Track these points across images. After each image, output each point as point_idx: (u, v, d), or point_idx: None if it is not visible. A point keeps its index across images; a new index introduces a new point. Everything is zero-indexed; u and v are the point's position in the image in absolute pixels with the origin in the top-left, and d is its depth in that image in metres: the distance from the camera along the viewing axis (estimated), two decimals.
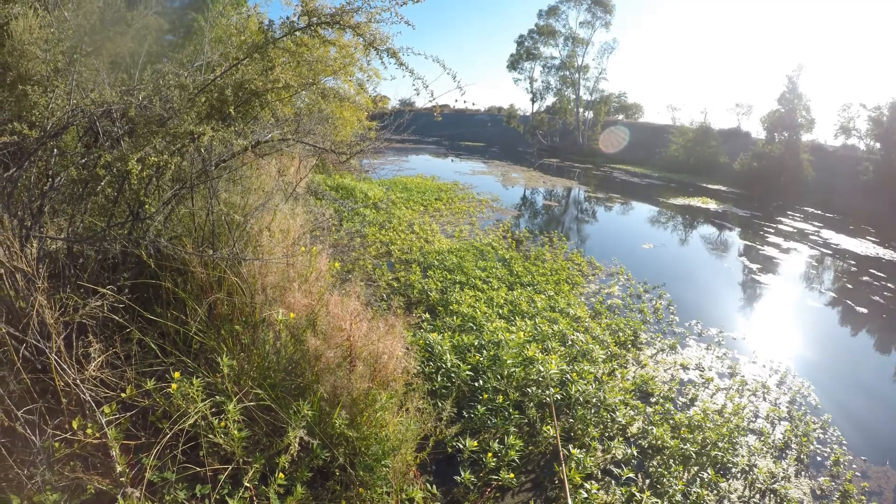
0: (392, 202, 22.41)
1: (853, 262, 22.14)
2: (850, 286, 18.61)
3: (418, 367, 7.90)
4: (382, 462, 5.41)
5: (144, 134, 5.33)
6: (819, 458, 8.09)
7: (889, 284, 18.85)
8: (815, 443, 8.38)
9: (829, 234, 27.96)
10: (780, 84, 50.96)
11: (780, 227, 29.13)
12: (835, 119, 51.36)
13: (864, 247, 25.49)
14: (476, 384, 8.07)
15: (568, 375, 8.57)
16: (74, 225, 5.63)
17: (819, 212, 36.04)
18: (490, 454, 6.49)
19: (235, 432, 4.61)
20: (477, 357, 8.58)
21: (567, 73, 72.58)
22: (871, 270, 20.78)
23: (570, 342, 10.02)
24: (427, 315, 10.60)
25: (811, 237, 26.87)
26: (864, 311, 15.85)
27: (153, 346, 5.34)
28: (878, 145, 44.22)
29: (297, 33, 6.20)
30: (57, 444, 4.16)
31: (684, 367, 10.26)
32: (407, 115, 12.91)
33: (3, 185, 5.04)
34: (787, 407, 9.28)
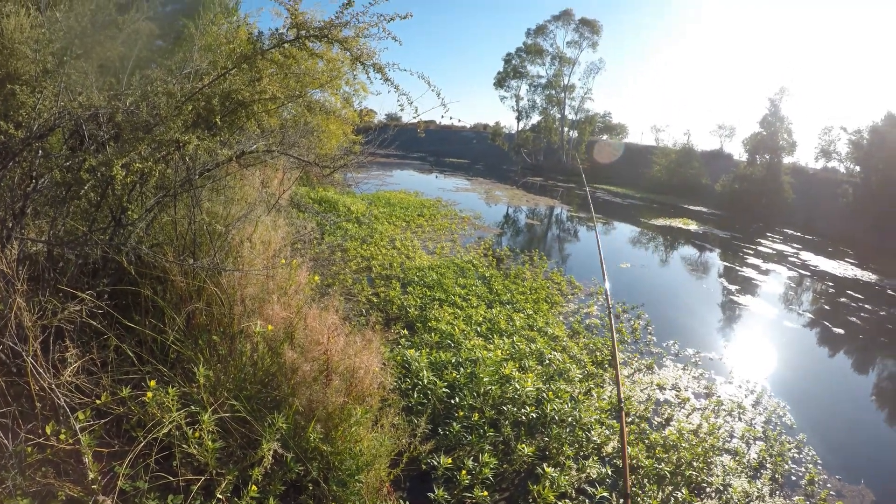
0: (374, 217, 22.36)
1: (831, 284, 22.46)
2: (827, 307, 18.89)
3: (395, 384, 7.88)
4: (356, 477, 5.40)
5: (130, 140, 5.34)
6: (794, 478, 8.16)
7: (866, 306, 19.14)
8: (790, 462, 8.46)
9: (808, 256, 28.31)
10: (763, 107, 51.56)
11: (760, 248, 29.46)
12: (816, 142, 52.31)
13: (842, 268, 25.86)
14: (452, 401, 8.06)
15: (544, 394, 8.56)
16: (56, 228, 5.62)
17: (799, 234, 36.52)
18: (464, 472, 6.47)
19: (210, 443, 4.60)
20: (454, 374, 8.58)
21: (553, 92, 72.96)
22: (849, 292, 21.12)
23: (547, 361, 10.05)
24: (405, 331, 10.59)
25: (790, 259, 27.20)
26: (841, 331, 16.09)
27: (130, 353, 5.32)
28: (857, 168, 45.10)
29: (286, 45, 6.22)
30: (29, 449, 4.13)
31: (661, 387, 10.31)
32: (391, 130, 12.94)
33: None
34: (762, 427, 9.36)
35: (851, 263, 27.47)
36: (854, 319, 17.44)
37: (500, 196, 42.01)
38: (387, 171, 50.84)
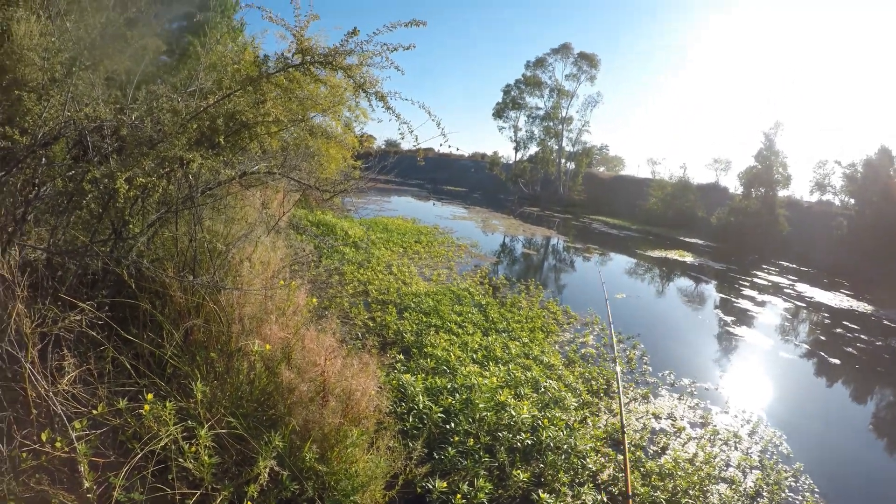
0: (372, 242, 22.39)
1: (826, 315, 22.57)
2: (823, 338, 18.93)
3: (390, 407, 7.86)
4: (351, 498, 5.38)
5: (134, 154, 5.36)
6: None
7: (862, 336, 19.24)
8: (786, 490, 8.43)
9: (803, 288, 28.45)
10: (758, 141, 52.22)
11: (756, 280, 29.54)
12: (811, 175, 53.07)
13: (837, 300, 26.01)
14: (448, 426, 8.01)
15: (539, 421, 8.53)
16: (56, 237, 5.63)
17: (794, 266, 36.80)
18: (459, 496, 6.42)
19: (206, 458, 4.59)
20: (449, 400, 8.55)
21: (551, 123, 73.64)
22: (845, 322, 21.24)
23: (542, 389, 10.00)
24: (401, 356, 10.58)
25: (785, 290, 27.30)
26: (837, 362, 16.17)
27: (128, 365, 5.31)
28: (852, 201, 45.77)
29: (291, 70, 6.28)
30: (24, 455, 4.13)
31: (656, 416, 10.28)
32: (392, 157, 13.03)
33: None
34: (758, 456, 9.33)
35: (847, 294, 27.68)
36: (850, 350, 17.53)
37: (497, 225, 42.17)
38: (385, 197, 51.04)
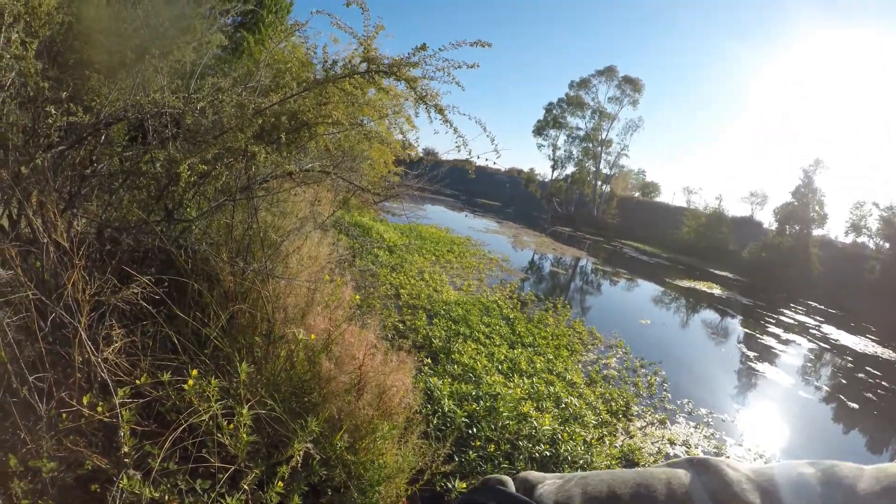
0: (406, 248, 22.78)
1: (850, 359, 22.35)
2: (844, 381, 18.78)
3: (418, 408, 8.14)
4: (376, 488, 5.64)
5: (199, 143, 5.67)
6: None
7: (884, 383, 19.05)
8: None
9: (829, 330, 28.17)
10: (796, 177, 51.74)
11: (782, 318, 29.31)
12: (847, 216, 52.32)
13: (863, 344, 25.72)
14: (470, 431, 8.23)
15: (559, 434, 8.71)
16: (108, 213, 5.89)
17: (822, 307, 36.31)
18: None
19: (244, 436, 4.76)
20: (474, 406, 8.76)
21: (590, 145, 73.56)
22: (868, 368, 20.99)
23: (564, 405, 10.17)
24: (429, 360, 10.80)
25: (811, 331, 27.05)
26: (856, 406, 16.04)
27: (175, 340, 5.50)
28: (887, 245, 44.97)
29: (356, 76, 6.57)
30: (64, 415, 4.27)
31: (671, 442, 10.43)
32: (443, 168, 13.28)
33: (54, 159, 5.24)
34: None
35: (873, 340, 27.35)
36: (870, 395, 17.38)
37: (529, 242, 42.31)
38: (419, 205, 51.23)
